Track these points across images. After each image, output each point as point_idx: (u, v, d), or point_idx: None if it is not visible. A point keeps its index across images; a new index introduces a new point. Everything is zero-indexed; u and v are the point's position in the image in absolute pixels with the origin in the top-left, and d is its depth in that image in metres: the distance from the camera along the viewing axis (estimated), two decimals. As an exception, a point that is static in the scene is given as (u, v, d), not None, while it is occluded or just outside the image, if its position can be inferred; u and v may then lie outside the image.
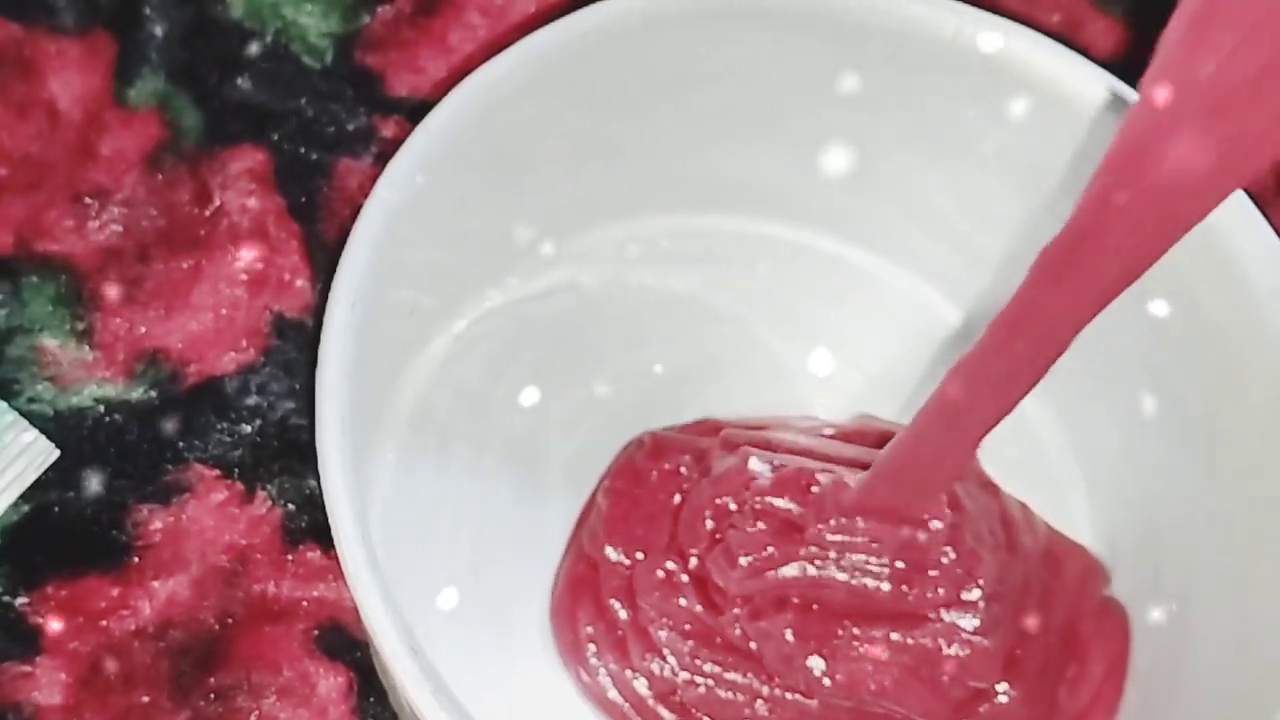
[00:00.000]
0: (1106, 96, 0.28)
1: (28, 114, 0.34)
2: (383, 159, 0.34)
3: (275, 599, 0.31)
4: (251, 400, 0.32)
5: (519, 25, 0.36)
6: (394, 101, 0.35)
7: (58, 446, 0.32)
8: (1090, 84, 0.28)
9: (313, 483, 0.32)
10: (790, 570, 0.28)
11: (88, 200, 0.34)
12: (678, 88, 0.30)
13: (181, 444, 0.32)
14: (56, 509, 0.31)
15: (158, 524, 0.31)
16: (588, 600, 0.30)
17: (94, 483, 0.32)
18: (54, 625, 0.30)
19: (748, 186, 0.33)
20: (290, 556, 0.31)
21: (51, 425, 0.32)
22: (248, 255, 0.31)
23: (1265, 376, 0.27)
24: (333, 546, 0.25)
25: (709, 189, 0.33)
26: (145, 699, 0.30)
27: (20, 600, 0.31)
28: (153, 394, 0.32)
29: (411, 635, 0.24)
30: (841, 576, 0.28)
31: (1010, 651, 0.29)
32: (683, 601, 0.29)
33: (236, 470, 0.32)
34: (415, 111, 0.35)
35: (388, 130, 0.35)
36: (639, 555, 0.30)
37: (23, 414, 0.32)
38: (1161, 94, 0.20)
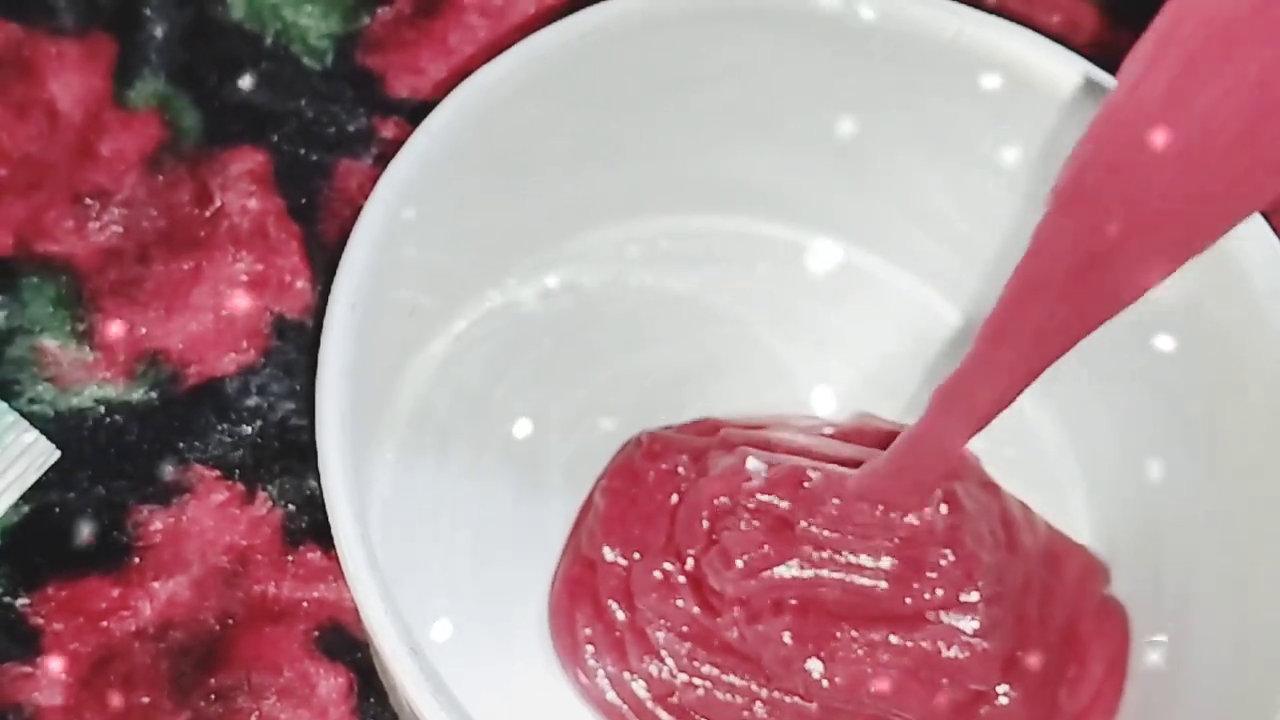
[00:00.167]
0: (1105, 97, 0.28)
1: (28, 115, 0.34)
2: (383, 160, 0.34)
3: (275, 599, 0.31)
4: (252, 401, 0.32)
5: (519, 26, 0.36)
6: (394, 102, 0.35)
7: (58, 447, 0.32)
8: (1089, 84, 0.28)
9: (313, 483, 0.32)
10: (786, 570, 0.28)
11: (88, 201, 0.34)
12: (678, 88, 0.30)
13: (182, 445, 0.32)
14: (57, 509, 0.31)
15: (158, 525, 0.31)
16: (585, 601, 0.30)
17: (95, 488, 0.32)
18: (54, 625, 0.30)
19: (748, 186, 0.33)
20: (290, 557, 0.31)
21: (52, 426, 0.32)
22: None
23: (1265, 376, 0.27)
24: (333, 547, 0.25)
25: (709, 189, 0.33)
26: (145, 699, 0.30)
27: (21, 601, 0.31)
28: (153, 395, 0.32)
29: (411, 635, 0.24)
30: (837, 575, 0.28)
31: (1010, 652, 0.29)
32: (680, 603, 0.29)
33: (237, 471, 0.32)
34: (415, 112, 0.35)
35: (388, 131, 0.35)
36: (636, 556, 0.30)
37: (23, 415, 0.32)
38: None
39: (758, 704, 0.29)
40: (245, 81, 0.35)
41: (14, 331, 0.33)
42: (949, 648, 0.28)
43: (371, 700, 0.30)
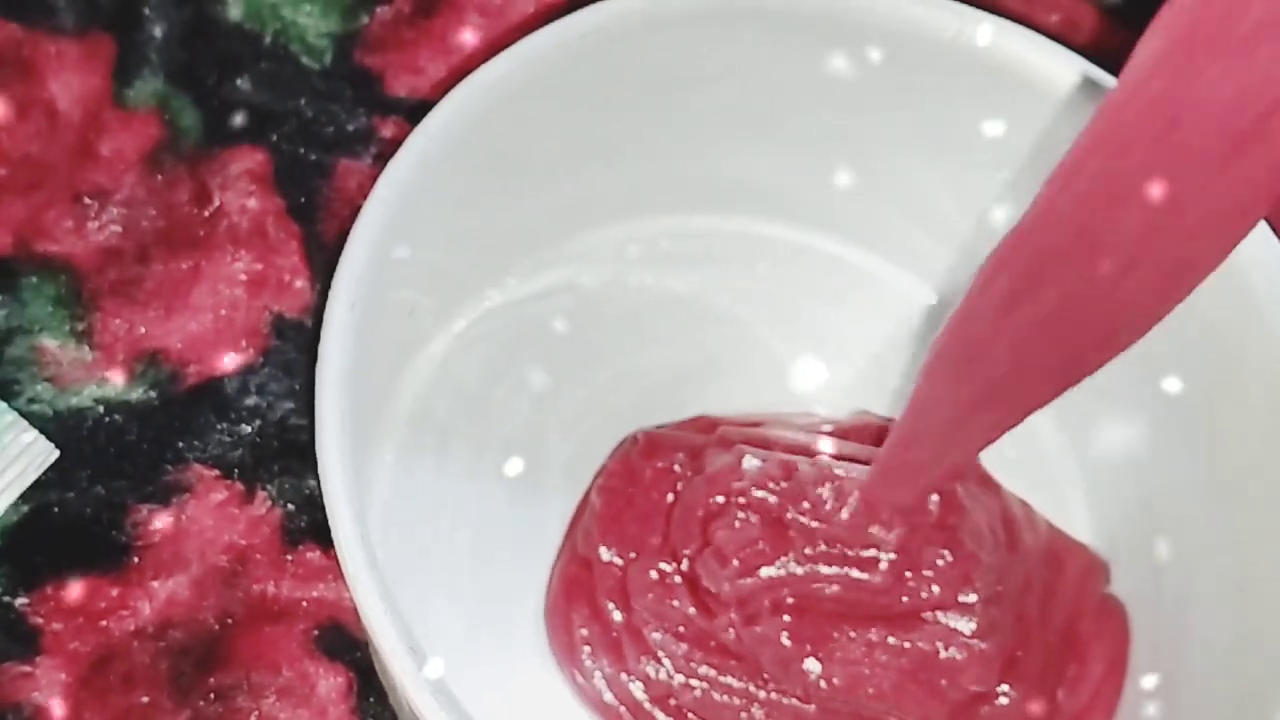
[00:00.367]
0: (1105, 96, 0.28)
1: (27, 114, 0.34)
2: (382, 159, 0.34)
3: (275, 599, 0.31)
4: (251, 400, 0.32)
5: (518, 26, 0.36)
6: (393, 102, 0.35)
7: (57, 447, 0.32)
8: (1089, 84, 0.28)
9: (312, 483, 0.32)
10: (781, 567, 0.28)
11: (87, 201, 0.34)
12: (677, 88, 0.30)
13: (181, 444, 0.32)
14: (56, 509, 0.31)
15: (158, 524, 0.31)
16: (582, 602, 0.30)
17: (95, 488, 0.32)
18: (54, 625, 0.30)
19: (747, 186, 0.33)
20: (290, 556, 0.31)
21: (51, 426, 0.32)
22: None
23: (1265, 376, 0.27)
24: (332, 546, 0.25)
25: (709, 189, 0.33)
26: (145, 699, 0.30)
27: (20, 600, 0.31)
28: (152, 394, 0.32)
29: (411, 635, 0.24)
30: (833, 572, 0.28)
31: (1010, 653, 0.28)
32: (676, 603, 0.29)
33: (236, 470, 0.32)
34: (414, 112, 0.35)
35: (387, 131, 0.35)
36: (633, 556, 0.29)
37: (22, 414, 0.32)
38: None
39: (755, 705, 0.29)
40: (244, 81, 0.35)
41: (13, 331, 0.33)
42: (947, 648, 0.28)
43: (371, 700, 0.30)
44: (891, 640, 0.28)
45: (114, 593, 0.31)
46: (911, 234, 0.33)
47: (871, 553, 0.28)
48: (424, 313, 0.31)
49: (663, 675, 0.29)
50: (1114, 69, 0.28)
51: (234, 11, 0.35)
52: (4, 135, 0.34)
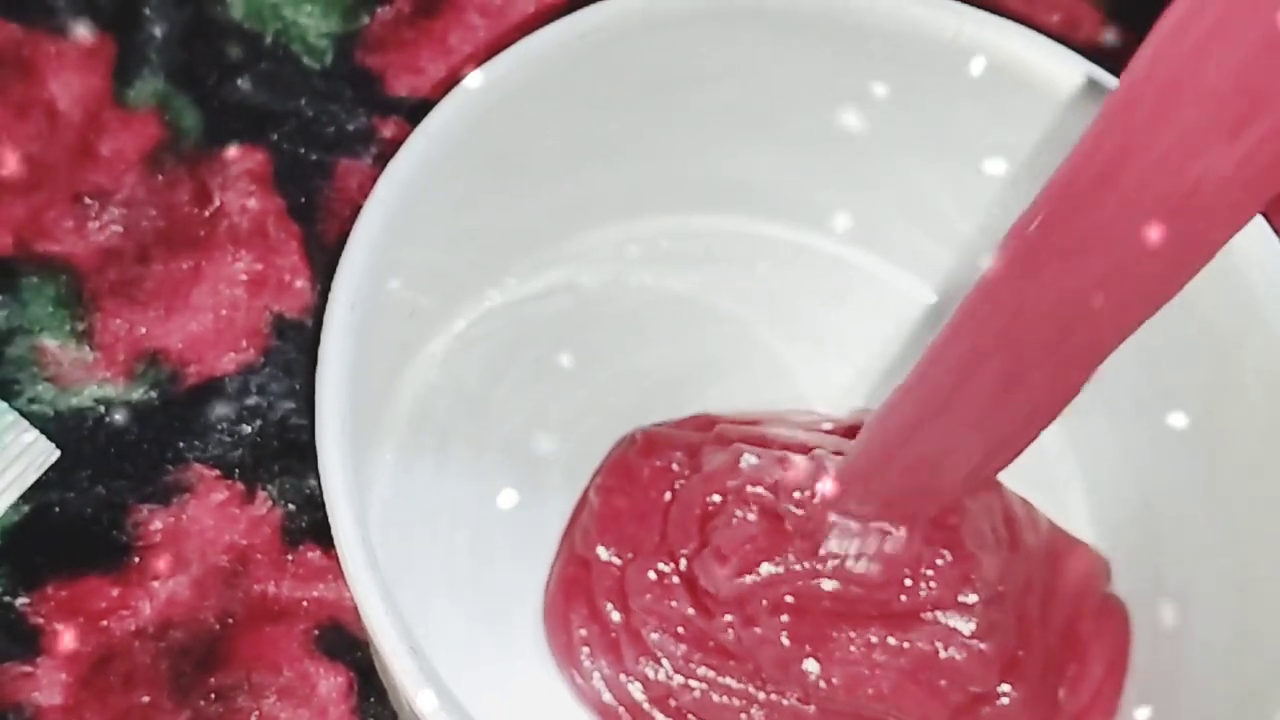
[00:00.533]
0: (1105, 96, 0.28)
1: (27, 114, 0.34)
2: (382, 159, 0.34)
3: (275, 599, 0.31)
4: (251, 400, 0.32)
5: (518, 26, 0.36)
6: (394, 102, 0.35)
7: (58, 447, 0.32)
8: (1090, 84, 0.28)
9: (313, 483, 0.32)
10: (778, 565, 0.28)
11: (87, 201, 0.34)
12: (677, 88, 0.30)
13: (182, 444, 0.32)
14: (57, 509, 0.31)
15: (158, 524, 0.31)
16: (581, 602, 0.30)
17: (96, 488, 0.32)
18: (55, 626, 0.30)
19: (747, 186, 0.33)
20: (290, 556, 0.31)
21: (52, 426, 0.32)
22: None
23: (1265, 377, 0.27)
24: (333, 546, 0.25)
25: (709, 189, 0.33)
26: (145, 699, 0.30)
27: (21, 601, 0.31)
28: (153, 394, 0.32)
29: (411, 635, 0.24)
30: (831, 570, 0.28)
31: (1011, 653, 0.28)
32: (674, 604, 0.29)
33: (237, 470, 0.32)
34: (415, 112, 0.35)
35: (387, 131, 0.35)
36: (630, 555, 0.29)
37: (23, 414, 0.32)
38: None
39: (755, 706, 0.29)
40: (244, 81, 0.35)
41: (14, 331, 0.33)
42: (947, 649, 0.28)
43: (371, 699, 0.30)
44: (891, 640, 0.28)
45: (114, 593, 0.31)
46: (911, 234, 0.33)
47: (860, 550, 0.28)
48: (424, 312, 0.31)
49: (661, 676, 0.29)
50: (1114, 68, 0.28)
51: (234, 11, 0.35)
52: (4, 135, 0.34)
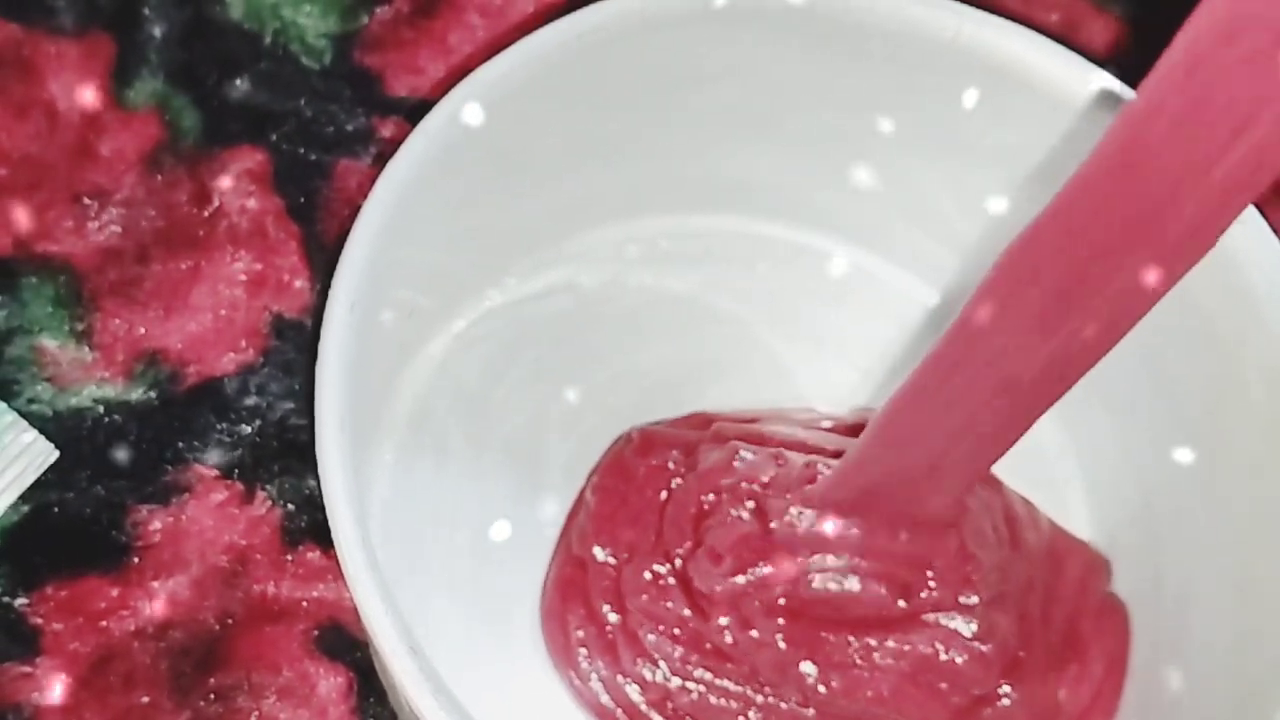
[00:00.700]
0: (1105, 96, 0.28)
1: (27, 114, 0.34)
2: (382, 159, 0.34)
3: (275, 599, 0.31)
4: (251, 401, 0.32)
5: (518, 26, 0.36)
6: (393, 102, 0.35)
7: (57, 447, 0.32)
8: (1089, 84, 0.28)
9: (312, 483, 0.32)
10: (774, 565, 0.28)
11: (87, 201, 0.34)
12: (677, 88, 0.30)
13: (181, 444, 0.32)
14: (56, 509, 0.31)
15: (157, 524, 0.31)
16: (577, 603, 0.29)
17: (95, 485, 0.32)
18: (54, 626, 0.30)
19: (747, 186, 0.33)
20: (290, 557, 0.31)
21: (51, 426, 0.32)
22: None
23: (1265, 376, 0.27)
24: (332, 546, 0.25)
25: (708, 189, 0.33)
26: (145, 699, 0.30)
27: (20, 601, 0.31)
28: (152, 395, 0.32)
29: (411, 635, 0.24)
30: (828, 571, 0.28)
31: (1013, 653, 0.28)
32: (670, 605, 0.29)
33: (236, 471, 0.32)
34: (414, 112, 0.35)
35: (387, 131, 0.35)
36: (626, 555, 0.29)
37: (22, 414, 0.32)
38: None
39: (753, 709, 0.28)
40: (243, 81, 0.35)
41: (13, 331, 0.33)
42: (947, 651, 0.28)
43: (371, 700, 0.30)
44: (891, 643, 0.28)
45: (114, 593, 0.31)
46: (912, 234, 0.33)
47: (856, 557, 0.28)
48: (424, 313, 0.31)
49: (659, 678, 0.29)
50: (1114, 68, 0.28)
51: (233, 12, 0.35)
52: (3, 136, 0.34)
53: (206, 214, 0.34)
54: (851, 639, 0.28)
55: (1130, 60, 0.21)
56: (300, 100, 0.35)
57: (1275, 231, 0.27)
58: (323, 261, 0.34)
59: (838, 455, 0.29)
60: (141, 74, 0.35)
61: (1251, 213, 0.27)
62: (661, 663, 0.29)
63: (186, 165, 0.34)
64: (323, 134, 0.35)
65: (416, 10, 0.36)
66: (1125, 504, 0.31)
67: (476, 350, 0.32)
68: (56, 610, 0.31)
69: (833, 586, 0.28)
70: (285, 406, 0.32)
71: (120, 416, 0.32)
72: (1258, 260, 0.27)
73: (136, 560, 0.31)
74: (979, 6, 0.29)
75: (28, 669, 0.30)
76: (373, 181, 0.27)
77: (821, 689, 0.28)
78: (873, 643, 0.28)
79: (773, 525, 0.28)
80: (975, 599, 0.28)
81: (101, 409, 0.32)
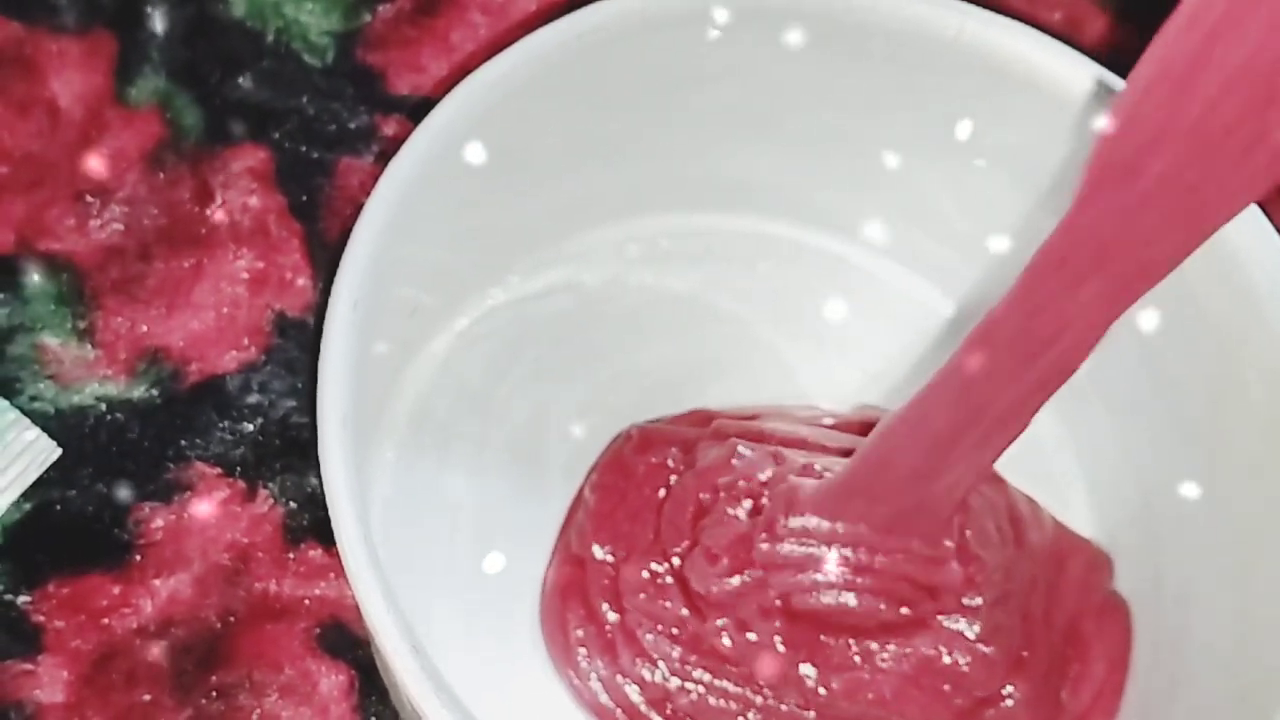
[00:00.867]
0: (1108, 95, 0.28)
1: (29, 112, 0.34)
2: (384, 158, 0.34)
3: (277, 597, 0.31)
4: (253, 399, 0.32)
5: (520, 24, 0.36)
6: (395, 100, 0.35)
7: (59, 445, 0.32)
8: (1091, 82, 0.28)
9: (314, 481, 0.32)
10: (770, 566, 0.28)
11: (89, 199, 0.34)
12: (678, 87, 0.30)
13: (183, 442, 0.32)
14: (58, 507, 0.31)
15: (159, 522, 0.31)
16: (576, 602, 0.29)
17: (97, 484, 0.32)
18: (56, 623, 0.30)
19: (748, 186, 0.33)
20: (292, 555, 0.31)
21: (53, 423, 0.32)
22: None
23: (1265, 376, 0.27)
24: (334, 544, 0.25)
25: (709, 188, 0.33)
26: (147, 697, 0.30)
27: (22, 598, 0.31)
28: (154, 392, 0.32)
29: (412, 633, 0.24)
30: (825, 573, 0.28)
31: (1017, 654, 0.28)
32: (668, 605, 0.28)
33: (238, 468, 0.32)
34: (416, 110, 0.35)
35: (389, 129, 0.35)
36: (624, 554, 0.29)
37: (24, 412, 0.32)
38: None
39: (752, 711, 0.28)
40: (246, 79, 0.35)
41: (15, 329, 0.33)
42: (950, 653, 0.27)
43: (372, 698, 0.30)
44: (892, 645, 0.28)
45: (116, 591, 0.31)
46: (912, 233, 0.33)
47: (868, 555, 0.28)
48: (426, 311, 0.31)
49: (658, 678, 0.28)
50: (1117, 66, 0.28)
51: (236, 9, 0.35)
52: (5, 134, 0.34)
53: (209, 212, 0.34)
54: (852, 641, 0.28)
55: (1133, 60, 0.21)
56: (303, 98, 0.35)
57: (1277, 230, 0.27)
58: (325, 260, 0.34)
59: (839, 452, 0.29)
60: (144, 72, 0.35)
61: (1253, 211, 0.27)
62: (660, 663, 0.28)
63: (189, 163, 0.34)
64: (325, 132, 0.35)
65: (419, 8, 0.36)
66: (1125, 504, 0.31)
67: (478, 349, 0.32)
68: (58, 608, 0.31)
69: (829, 601, 0.28)
70: (287, 404, 0.32)
71: (122, 414, 0.32)
72: (1259, 259, 0.27)
73: (138, 558, 0.31)
74: (982, 5, 0.29)
75: (30, 666, 0.30)
76: (375, 180, 0.27)
77: (822, 691, 0.28)
78: (874, 645, 0.28)
79: (763, 543, 0.28)
80: (979, 600, 0.28)
81: (104, 407, 0.32)
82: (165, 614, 0.31)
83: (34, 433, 0.32)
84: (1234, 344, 0.28)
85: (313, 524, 0.32)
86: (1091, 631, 0.29)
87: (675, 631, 0.28)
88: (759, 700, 0.28)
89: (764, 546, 0.28)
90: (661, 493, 0.30)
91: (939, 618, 0.28)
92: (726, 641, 0.28)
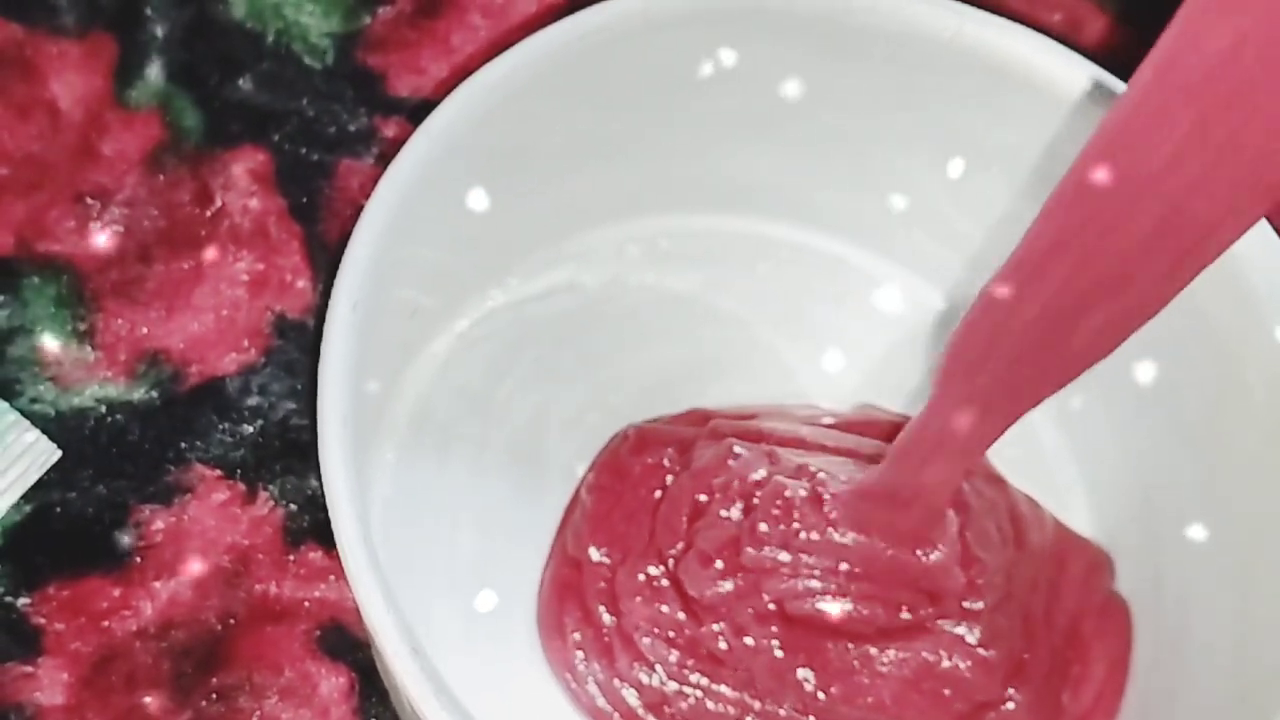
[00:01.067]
0: (1107, 96, 0.28)
1: (29, 114, 0.34)
2: (384, 159, 0.34)
3: (277, 599, 0.31)
4: (253, 400, 0.32)
5: (520, 26, 0.36)
6: (395, 102, 0.35)
7: (59, 447, 0.32)
8: (1090, 83, 0.28)
9: (314, 483, 0.32)
10: (766, 568, 0.28)
11: (89, 201, 0.34)
12: (678, 88, 0.30)
13: (183, 444, 0.32)
14: (58, 509, 0.31)
15: (159, 524, 0.31)
16: (573, 604, 0.29)
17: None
18: (56, 626, 0.30)
19: (748, 187, 0.33)
20: (292, 557, 0.31)
21: (53, 425, 0.32)
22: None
23: (1266, 377, 0.27)
24: (334, 546, 0.25)
25: (709, 189, 0.33)
26: (147, 699, 0.30)
27: (22, 600, 0.31)
28: (154, 394, 0.32)
29: (413, 635, 0.24)
30: (823, 575, 0.28)
31: (1018, 657, 0.28)
32: (664, 608, 0.28)
33: (238, 470, 0.32)
34: (416, 112, 0.35)
35: (389, 131, 0.35)
36: (621, 556, 0.29)
37: (24, 414, 0.32)
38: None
39: (750, 716, 0.28)
40: (246, 81, 0.35)
41: (15, 331, 0.33)
42: (951, 657, 0.27)
43: (373, 700, 0.30)
44: (892, 650, 0.27)
45: (116, 593, 0.31)
46: (912, 234, 0.33)
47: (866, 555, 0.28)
48: (426, 312, 0.31)
49: (655, 682, 0.28)
50: (1116, 68, 0.28)
51: (236, 11, 0.35)
52: (5, 135, 0.34)
53: (208, 214, 0.34)
54: (851, 646, 0.28)
55: (1132, 60, 0.21)
56: (303, 100, 0.35)
57: (1276, 232, 0.27)
58: (325, 261, 0.34)
59: (838, 452, 0.29)
60: (144, 74, 0.35)
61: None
62: (658, 666, 0.28)
63: (189, 165, 0.34)
64: (325, 134, 0.35)
65: (419, 10, 0.36)
66: (1125, 505, 0.31)
67: (479, 350, 0.32)
68: (58, 610, 0.31)
69: (824, 607, 0.28)
70: (287, 406, 0.32)
71: (122, 416, 0.32)
72: (1259, 262, 0.27)
73: (138, 560, 0.31)
74: (981, 6, 0.29)
75: (29, 669, 0.30)
76: (375, 182, 0.27)
77: (821, 696, 0.27)
78: (873, 650, 0.27)
79: (749, 547, 0.28)
80: (980, 604, 0.27)
81: (104, 409, 0.32)
82: (165, 616, 0.31)
83: (34, 435, 0.32)
84: (1234, 346, 0.28)
85: (313, 526, 0.32)
86: (1092, 632, 0.29)
87: (672, 635, 0.28)
88: (757, 705, 0.28)
89: (750, 551, 0.27)
90: (657, 494, 0.29)
91: (939, 622, 0.28)
92: (723, 645, 0.28)
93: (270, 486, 0.32)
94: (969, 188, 0.31)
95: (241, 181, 0.34)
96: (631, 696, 0.28)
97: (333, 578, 0.31)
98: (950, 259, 0.33)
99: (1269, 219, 0.27)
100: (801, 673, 0.27)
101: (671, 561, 0.28)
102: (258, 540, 0.31)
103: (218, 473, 0.32)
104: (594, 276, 0.33)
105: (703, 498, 0.28)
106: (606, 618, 0.29)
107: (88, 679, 0.30)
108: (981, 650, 0.27)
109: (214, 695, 0.30)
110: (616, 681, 0.29)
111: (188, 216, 0.34)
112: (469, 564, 0.30)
